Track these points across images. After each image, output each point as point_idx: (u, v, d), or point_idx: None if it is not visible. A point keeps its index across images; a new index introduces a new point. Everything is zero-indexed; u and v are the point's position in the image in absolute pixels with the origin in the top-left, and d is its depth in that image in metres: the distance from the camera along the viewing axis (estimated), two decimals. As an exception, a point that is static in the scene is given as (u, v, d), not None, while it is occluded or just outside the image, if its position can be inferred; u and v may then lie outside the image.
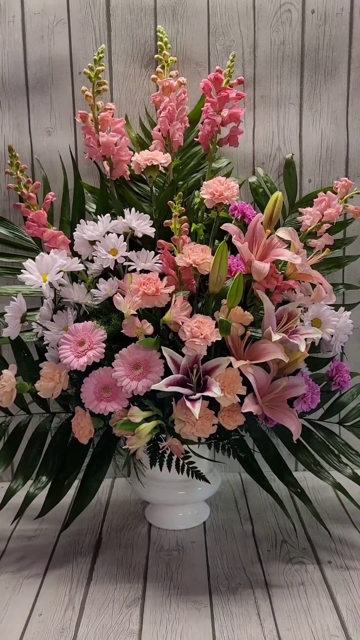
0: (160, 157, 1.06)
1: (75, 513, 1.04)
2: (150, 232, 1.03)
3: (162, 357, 0.95)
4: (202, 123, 1.12)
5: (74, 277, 1.06)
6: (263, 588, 0.96)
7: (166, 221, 1.00)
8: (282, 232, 1.00)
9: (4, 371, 1.02)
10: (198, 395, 0.92)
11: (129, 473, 1.15)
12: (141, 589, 0.97)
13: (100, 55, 1.08)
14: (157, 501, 1.15)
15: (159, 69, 1.14)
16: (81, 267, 1.03)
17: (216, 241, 1.05)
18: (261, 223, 1.00)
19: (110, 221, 1.02)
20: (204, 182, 1.05)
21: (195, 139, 1.17)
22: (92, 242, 1.03)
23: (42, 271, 1.00)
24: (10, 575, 1.02)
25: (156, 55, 1.15)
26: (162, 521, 1.15)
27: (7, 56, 1.22)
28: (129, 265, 1.00)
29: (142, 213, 1.04)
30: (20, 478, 1.07)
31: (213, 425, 0.94)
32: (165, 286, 0.96)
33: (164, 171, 1.10)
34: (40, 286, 0.99)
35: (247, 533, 1.12)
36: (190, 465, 0.99)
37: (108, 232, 1.02)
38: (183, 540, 1.10)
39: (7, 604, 0.95)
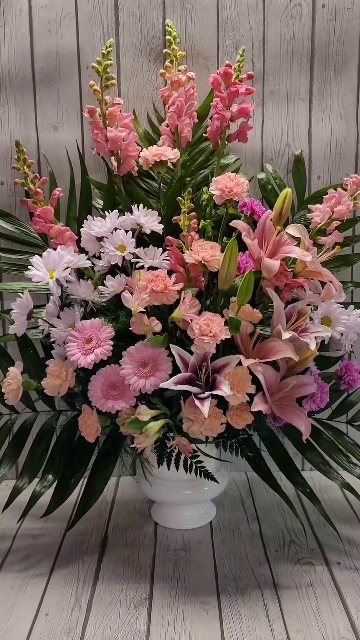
0: (169, 153, 1.05)
1: (81, 512, 1.03)
2: (159, 228, 1.02)
3: (170, 355, 0.93)
4: (211, 118, 1.11)
5: (80, 273, 1.05)
6: (271, 589, 0.95)
7: (175, 217, 0.98)
8: (291, 229, 0.99)
9: (10, 368, 1.01)
10: (207, 393, 0.91)
11: (135, 472, 1.14)
12: (148, 589, 0.96)
13: (109, 49, 1.07)
14: (163, 500, 1.14)
15: (167, 63, 1.12)
16: (88, 263, 1.02)
17: (225, 238, 1.04)
18: (270, 220, 0.99)
19: (118, 217, 1.01)
20: (213, 178, 1.04)
21: (203, 134, 1.16)
22: (100, 239, 1.02)
23: (49, 268, 0.99)
24: (15, 574, 1.01)
25: (164, 50, 1.14)
26: (169, 520, 1.14)
27: (13, 50, 1.20)
28: (137, 262, 0.99)
29: (150, 209, 1.03)
30: (26, 476, 1.06)
31: (221, 424, 0.93)
32: (173, 283, 0.95)
33: (172, 167, 1.09)
34: (47, 283, 0.98)
35: (255, 533, 1.11)
36: (199, 465, 0.98)
37: (116, 229, 1.00)
38: (190, 539, 1.09)
39: (13, 604, 0.94)
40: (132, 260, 1.00)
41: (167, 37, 1.12)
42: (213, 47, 1.21)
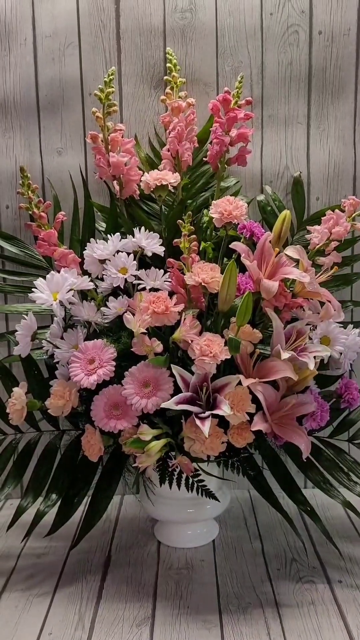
0: (170, 177, 1.08)
1: (85, 531, 1.04)
2: (160, 250, 1.04)
3: (172, 375, 0.95)
4: (210, 143, 1.13)
5: (84, 295, 1.07)
6: (273, 607, 0.96)
7: (175, 240, 1.01)
8: (290, 251, 1.00)
9: (15, 389, 1.02)
10: (207, 413, 0.92)
11: (138, 490, 1.15)
12: (151, 607, 0.97)
13: (111, 77, 1.10)
14: (166, 519, 1.15)
15: (168, 90, 1.15)
16: (91, 285, 1.04)
17: (225, 259, 1.06)
18: (270, 241, 1.01)
19: (120, 240, 1.04)
20: (213, 201, 1.06)
21: (204, 158, 1.18)
22: (102, 261, 1.04)
23: (52, 290, 1.01)
24: (19, 593, 1.02)
25: (165, 77, 1.17)
26: (171, 539, 1.15)
27: (18, 78, 1.24)
28: (139, 284, 1.01)
29: (151, 232, 1.05)
30: (30, 495, 1.07)
31: (222, 443, 0.94)
32: (174, 304, 0.97)
33: (173, 190, 1.12)
34: (51, 305, 1.00)
35: (257, 551, 1.12)
36: (200, 484, 0.99)
37: (118, 251, 1.03)
38: (192, 558, 1.10)
39: (17, 623, 0.95)
40: (134, 282, 1.02)
41: (168, 64, 1.16)
42: (212, 74, 1.24)
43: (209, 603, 0.98)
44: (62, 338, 1.03)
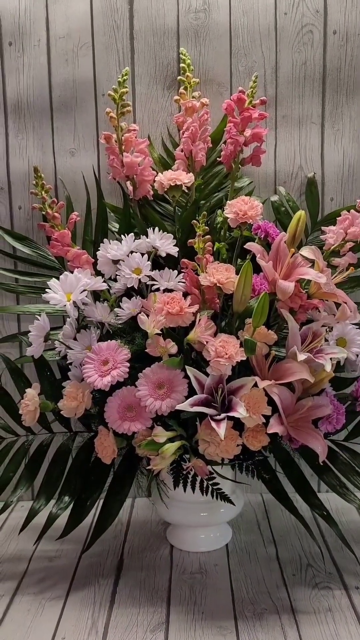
0: (184, 177, 1.07)
1: (97, 534, 1.03)
2: (174, 251, 1.03)
3: (186, 376, 0.94)
4: (224, 143, 1.13)
5: (97, 296, 1.07)
6: (289, 614, 0.94)
7: (190, 240, 1.00)
8: (306, 251, 0.99)
9: (28, 390, 1.02)
10: (223, 415, 0.91)
11: (150, 493, 1.14)
12: (165, 613, 0.96)
13: (124, 77, 1.10)
14: (179, 522, 1.14)
15: (181, 90, 1.15)
16: (105, 286, 1.03)
17: (239, 260, 1.05)
18: (284, 242, 1.00)
19: (134, 240, 1.03)
20: (227, 201, 1.05)
21: (217, 158, 1.17)
22: (116, 262, 1.04)
23: (66, 290, 1.00)
24: (32, 597, 1.01)
25: (179, 77, 1.16)
26: (184, 543, 1.13)
27: (32, 79, 1.24)
28: (153, 285, 1.01)
29: (165, 232, 1.05)
30: (42, 498, 1.06)
31: (237, 445, 0.93)
32: (189, 305, 0.96)
33: (186, 191, 1.11)
34: (65, 305, 0.99)
35: (271, 556, 1.10)
36: (215, 487, 0.98)
37: (132, 252, 1.02)
38: (206, 562, 1.09)
39: (29, 627, 0.94)
40: (147, 283, 1.01)
41: (182, 64, 1.15)
42: (226, 74, 1.23)
43: (224, 608, 0.96)
44: (75, 339, 1.02)
